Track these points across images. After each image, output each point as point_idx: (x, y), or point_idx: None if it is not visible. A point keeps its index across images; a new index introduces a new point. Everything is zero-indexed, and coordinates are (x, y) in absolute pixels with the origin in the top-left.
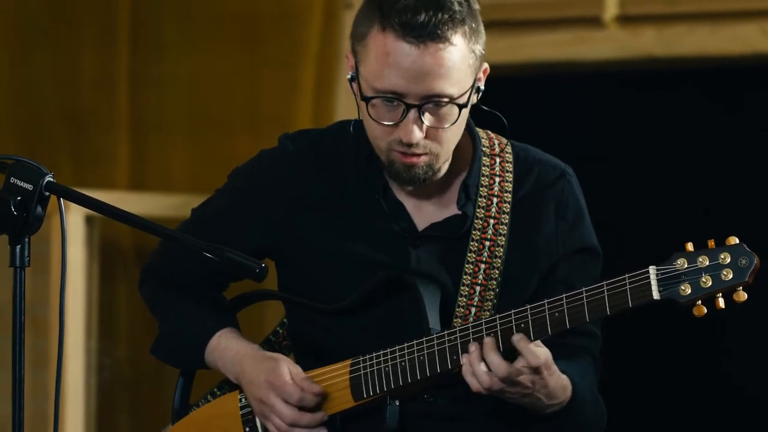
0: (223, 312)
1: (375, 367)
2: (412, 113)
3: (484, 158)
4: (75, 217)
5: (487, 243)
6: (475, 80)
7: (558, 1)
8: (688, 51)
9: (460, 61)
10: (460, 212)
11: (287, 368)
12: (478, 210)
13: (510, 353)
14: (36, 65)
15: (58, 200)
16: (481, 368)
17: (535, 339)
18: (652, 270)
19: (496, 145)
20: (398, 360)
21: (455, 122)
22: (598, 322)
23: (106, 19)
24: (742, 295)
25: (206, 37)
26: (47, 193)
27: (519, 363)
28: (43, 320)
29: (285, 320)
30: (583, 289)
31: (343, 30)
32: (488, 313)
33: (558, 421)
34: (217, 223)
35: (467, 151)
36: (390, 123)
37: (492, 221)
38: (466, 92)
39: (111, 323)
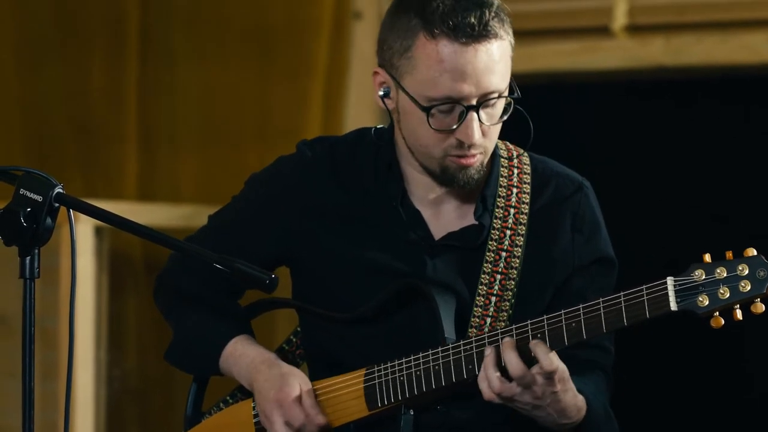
0: (238, 319)
1: (390, 376)
2: (472, 114)
3: (502, 168)
4: (84, 228)
5: (504, 254)
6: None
7: (567, 10)
8: (697, 60)
9: (507, 54)
10: (477, 222)
11: (298, 386)
12: (495, 221)
13: (526, 364)
14: (46, 76)
15: (68, 211)
16: (494, 374)
17: (551, 350)
18: (669, 281)
19: (514, 156)
20: (413, 369)
21: (507, 116)
22: (612, 336)
23: (115, 31)
24: (759, 307)
25: (216, 49)
26: (57, 205)
27: (534, 369)
28: (52, 331)
29: (299, 329)
30: (600, 299)
31: (353, 41)
32: (503, 324)
33: None
34: (234, 230)
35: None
36: (450, 128)
37: (509, 232)
38: (509, 84)
39: (120, 334)
